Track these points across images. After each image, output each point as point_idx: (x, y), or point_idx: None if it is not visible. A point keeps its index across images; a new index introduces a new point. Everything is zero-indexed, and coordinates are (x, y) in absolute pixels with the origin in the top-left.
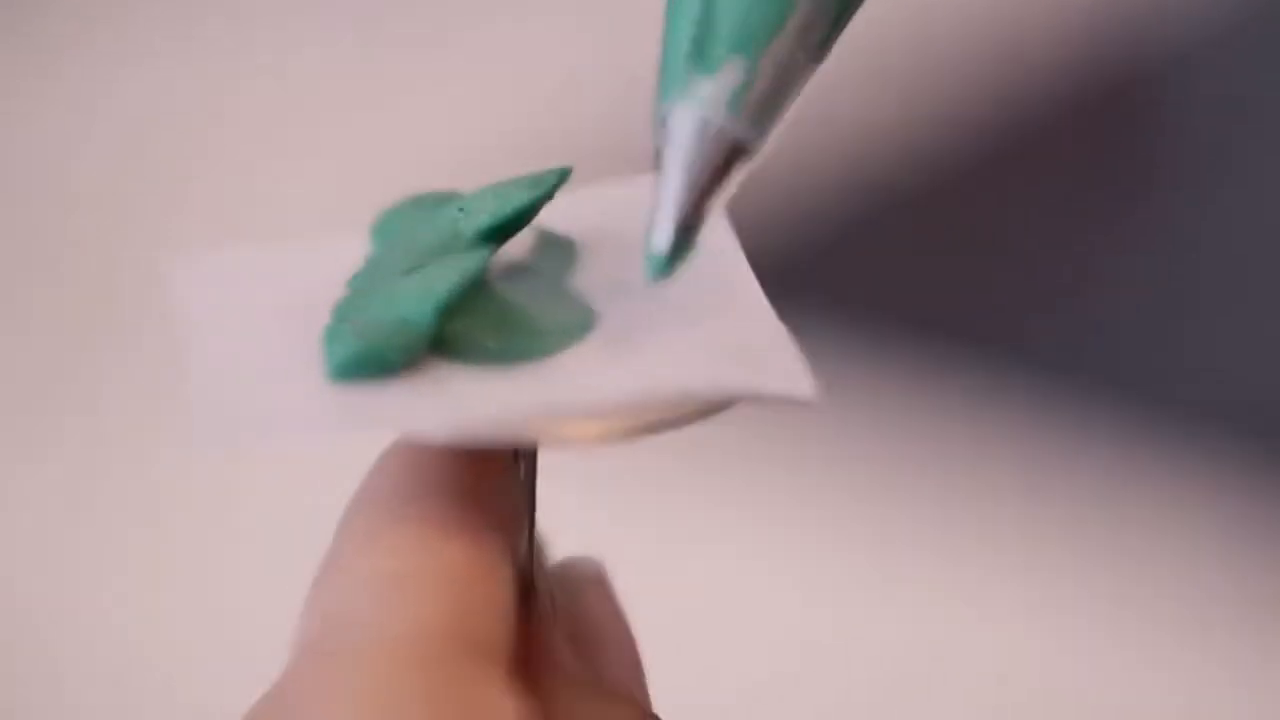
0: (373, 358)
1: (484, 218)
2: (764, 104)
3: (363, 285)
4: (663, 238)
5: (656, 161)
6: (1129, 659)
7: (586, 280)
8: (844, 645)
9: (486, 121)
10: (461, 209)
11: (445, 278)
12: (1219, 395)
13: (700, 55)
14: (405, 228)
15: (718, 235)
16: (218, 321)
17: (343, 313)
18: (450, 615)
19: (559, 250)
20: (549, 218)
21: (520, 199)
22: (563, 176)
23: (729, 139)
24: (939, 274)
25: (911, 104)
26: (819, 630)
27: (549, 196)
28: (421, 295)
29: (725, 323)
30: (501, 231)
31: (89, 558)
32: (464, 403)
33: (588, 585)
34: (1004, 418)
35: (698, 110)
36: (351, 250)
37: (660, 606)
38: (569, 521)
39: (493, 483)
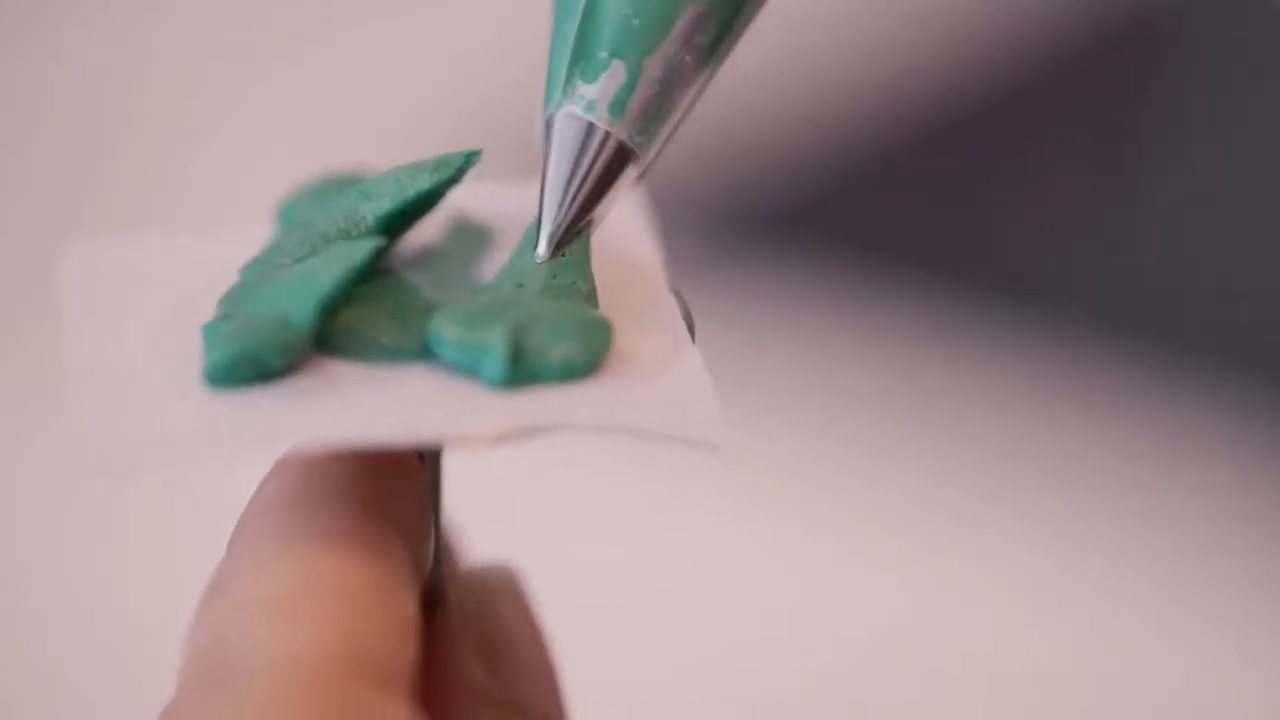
0: (248, 362)
1: (384, 203)
2: (649, 108)
3: (254, 274)
4: (542, 246)
5: (542, 165)
6: (1129, 626)
7: (498, 270)
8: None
9: (413, 96)
10: (362, 193)
11: (330, 270)
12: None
13: (583, 59)
14: (308, 211)
15: (643, 246)
16: (104, 315)
17: (227, 306)
18: (343, 636)
19: (472, 237)
20: (469, 202)
21: (422, 183)
22: (470, 159)
23: (613, 143)
24: (935, 225)
25: (915, 46)
26: (807, 604)
27: (454, 181)
28: (304, 289)
29: (640, 349)
30: (402, 218)
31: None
32: (348, 409)
33: (500, 594)
34: (1000, 378)
35: (580, 114)
36: (257, 235)
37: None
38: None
39: (393, 489)
